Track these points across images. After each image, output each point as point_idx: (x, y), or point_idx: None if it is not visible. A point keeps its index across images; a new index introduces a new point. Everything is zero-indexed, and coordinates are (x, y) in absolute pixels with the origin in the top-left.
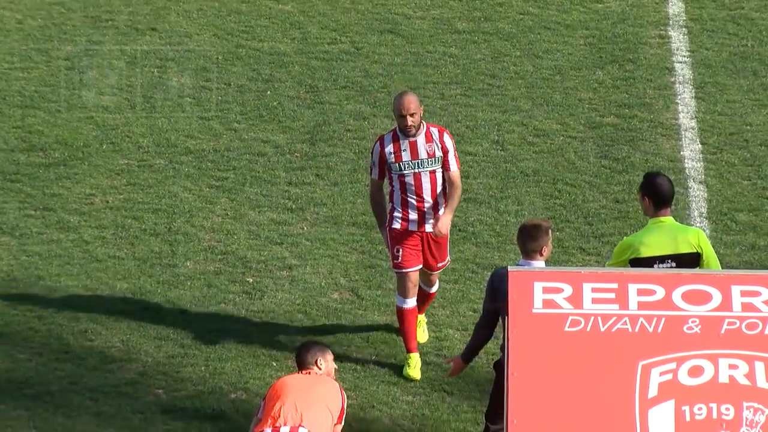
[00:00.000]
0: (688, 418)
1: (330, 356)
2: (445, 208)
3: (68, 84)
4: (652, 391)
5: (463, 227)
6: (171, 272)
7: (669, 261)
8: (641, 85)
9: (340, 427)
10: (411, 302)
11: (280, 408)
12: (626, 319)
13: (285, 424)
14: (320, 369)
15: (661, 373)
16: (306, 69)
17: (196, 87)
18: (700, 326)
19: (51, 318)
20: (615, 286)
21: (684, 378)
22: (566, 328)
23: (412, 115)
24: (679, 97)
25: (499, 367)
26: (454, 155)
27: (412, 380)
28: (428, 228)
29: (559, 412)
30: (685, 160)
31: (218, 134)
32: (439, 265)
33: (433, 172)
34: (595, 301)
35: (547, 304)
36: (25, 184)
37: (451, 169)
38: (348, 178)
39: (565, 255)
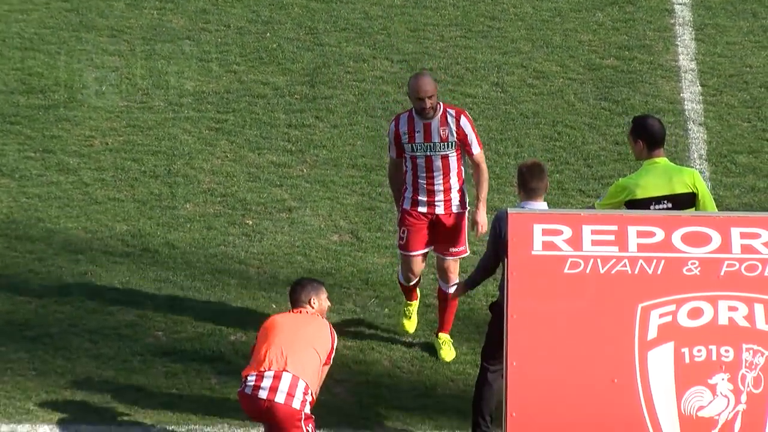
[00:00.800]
0: (687, 360)
1: (324, 294)
2: (477, 199)
3: (67, 26)
4: (652, 333)
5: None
6: (170, 214)
7: (665, 202)
8: (641, 27)
9: (327, 368)
10: (412, 283)
11: (266, 352)
12: (626, 261)
13: (269, 369)
14: (312, 308)
15: (661, 315)
16: (305, 11)
17: (195, 29)
18: (699, 268)
19: (50, 260)
20: (614, 228)
21: (683, 320)
22: (566, 270)
23: (429, 97)
24: (678, 39)
25: (496, 307)
26: (475, 137)
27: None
28: (438, 210)
29: (559, 354)
30: (685, 102)
31: (218, 76)
32: (453, 250)
33: (445, 157)
34: (594, 243)
35: (547, 246)
36: (25, 126)
37: (474, 152)
38: (348, 120)
39: (565, 197)
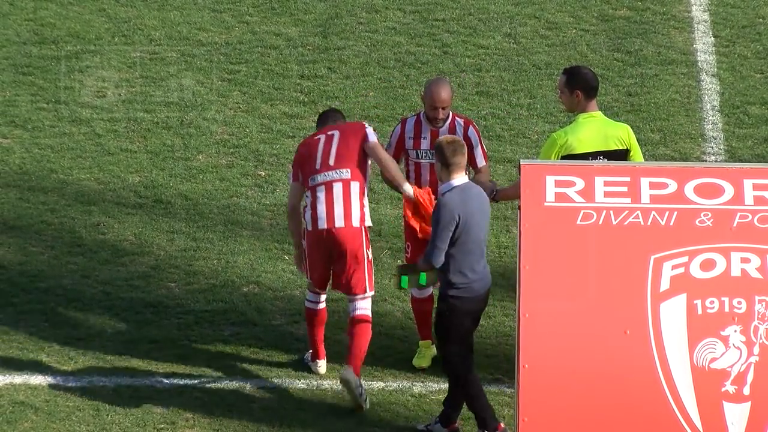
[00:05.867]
0: (699, 312)
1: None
2: None
3: None
4: (664, 285)
5: (475, 120)
6: (183, 165)
7: (600, 157)
8: None
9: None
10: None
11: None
12: (638, 212)
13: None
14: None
15: (673, 267)
16: None
17: None
18: (712, 219)
19: (63, 211)
20: (627, 179)
21: (696, 271)
22: (578, 222)
23: (444, 108)
24: None
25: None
26: (481, 150)
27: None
28: None
29: (571, 306)
30: (698, 53)
31: (230, 27)
32: None
33: None
34: (607, 194)
35: (559, 197)
36: (38, 77)
37: (479, 164)
38: (360, 72)
39: None
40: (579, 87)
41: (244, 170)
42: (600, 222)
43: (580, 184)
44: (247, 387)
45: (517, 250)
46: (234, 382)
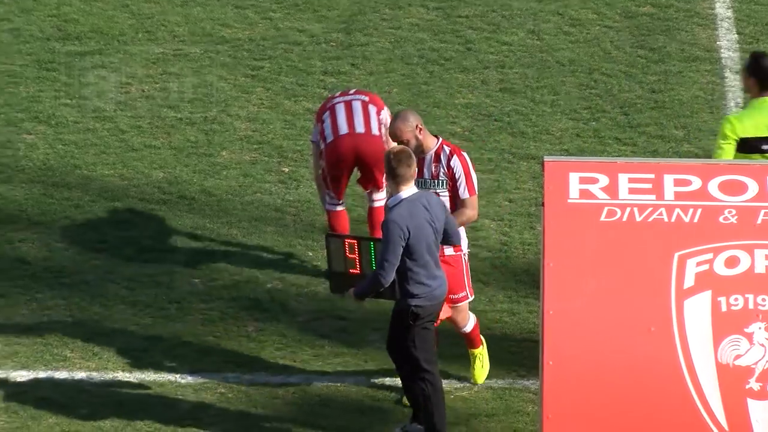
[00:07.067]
0: (724, 309)
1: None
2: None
3: None
4: (688, 282)
5: (498, 117)
6: (207, 161)
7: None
8: None
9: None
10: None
11: None
12: (662, 209)
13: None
14: None
15: (698, 264)
16: None
17: None
18: (736, 216)
19: (87, 207)
20: (651, 176)
21: (720, 268)
22: (602, 219)
23: (407, 141)
24: None
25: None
26: (466, 180)
27: None
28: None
29: (595, 302)
30: (721, 50)
31: (254, 23)
32: (452, 297)
33: (436, 194)
34: (631, 191)
35: (583, 194)
36: (61, 72)
37: (462, 196)
38: (383, 68)
39: (601, 145)
40: (755, 76)
41: (267, 166)
42: (624, 219)
43: (603, 180)
44: (271, 383)
45: (541, 247)
46: (258, 378)
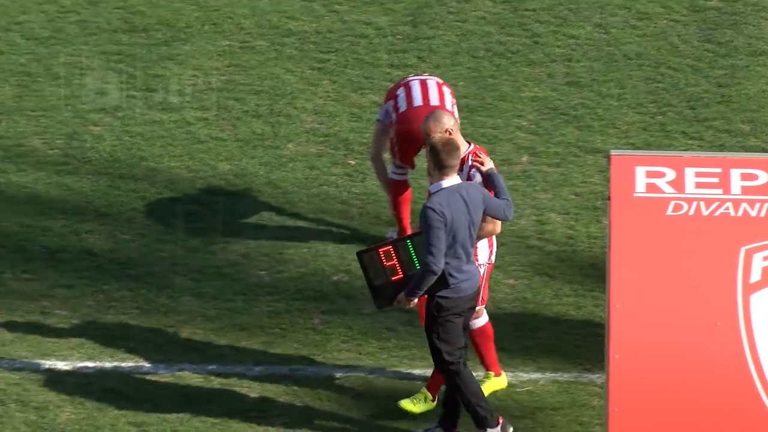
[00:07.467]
0: None
1: None
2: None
3: None
4: (755, 276)
5: (565, 110)
6: (273, 154)
7: None
8: None
9: None
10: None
11: None
12: (729, 203)
13: None
14: None
15: (764, 258)
16: None
17: None
18: None
19: (153, 199)
20: (718, 170)
21: None
22: (668, 213)
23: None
24: None
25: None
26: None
27: None
28: None
29: (661, 296)
30: None
31: (320, 16)
32: None
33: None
34: (697, 185)
35: (650, 188)
36: (128, 64)
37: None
38: (450, 61)
39: (668, 139)
40: None
41: (333, 159)
42: (690, 213)
43: (670, 174)
44: (337, 376)
45: (607, 241)
46: (324, 371)
